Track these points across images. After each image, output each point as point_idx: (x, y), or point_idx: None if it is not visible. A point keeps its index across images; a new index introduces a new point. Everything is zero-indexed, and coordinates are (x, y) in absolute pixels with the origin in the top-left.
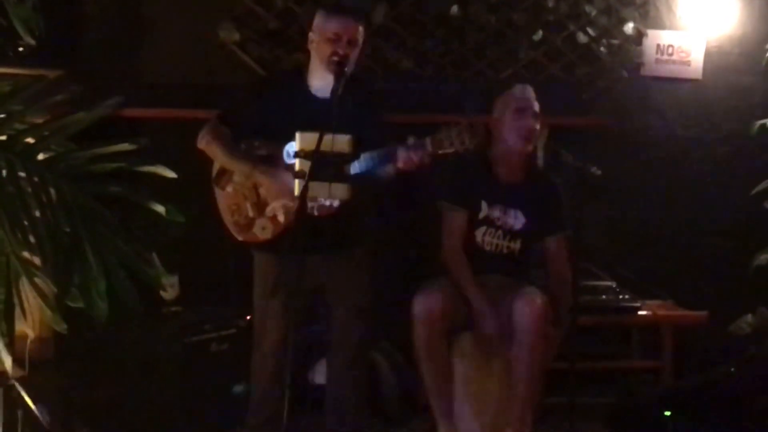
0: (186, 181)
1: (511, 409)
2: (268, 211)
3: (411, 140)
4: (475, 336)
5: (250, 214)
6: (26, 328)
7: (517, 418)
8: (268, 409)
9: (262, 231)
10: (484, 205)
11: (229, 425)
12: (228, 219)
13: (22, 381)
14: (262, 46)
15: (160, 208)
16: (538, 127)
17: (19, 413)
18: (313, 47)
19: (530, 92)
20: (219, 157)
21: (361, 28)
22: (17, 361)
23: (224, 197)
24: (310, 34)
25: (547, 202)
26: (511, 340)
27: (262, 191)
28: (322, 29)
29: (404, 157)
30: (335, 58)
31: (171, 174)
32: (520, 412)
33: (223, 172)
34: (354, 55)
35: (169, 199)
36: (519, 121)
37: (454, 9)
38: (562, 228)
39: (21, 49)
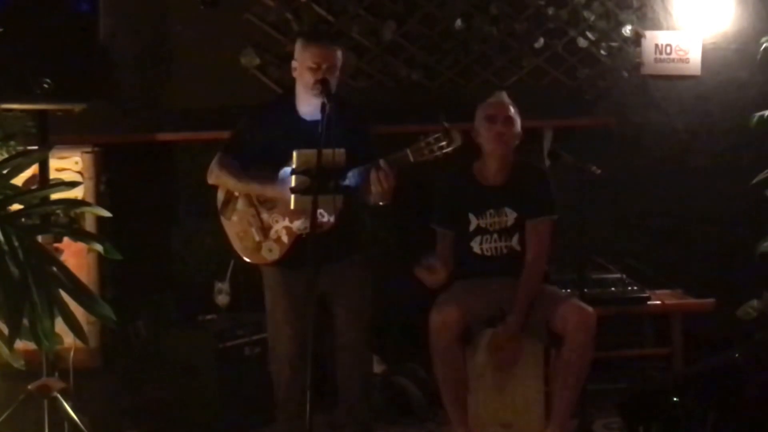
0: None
1: (554, 411)
2: (272, 234)
3: (382, 162)
4: (495, 333)
5: (257, 238)
6: (71, 340)
7: (560, 420)
8: (290, 408)
9: (270, 253)
10: (471, 217)
11: (261, 423)
12: (238, 245)
13: (66, 392)
14: (281, 69)
15: (98, 247)
16: (514, 131)
17: (66, 424)
18: (296, 74)
19: (503, 98)
20: (231, 185)
21: (338, 52)
22: (62, 373)
23: (231, 226)
24: (293, 62)
25: (531, 189)
26: (540, 340)
27: (264, 216)
28: (302, 58)
29: (373, 190)
30: (318, 85)
31: (106, 213)
32: (563, 414)
33: (227, 202)
34: (335, 77)
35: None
36: (490, 130)
37: (458, 23)
38: (544, 212)
39: (46, 85)
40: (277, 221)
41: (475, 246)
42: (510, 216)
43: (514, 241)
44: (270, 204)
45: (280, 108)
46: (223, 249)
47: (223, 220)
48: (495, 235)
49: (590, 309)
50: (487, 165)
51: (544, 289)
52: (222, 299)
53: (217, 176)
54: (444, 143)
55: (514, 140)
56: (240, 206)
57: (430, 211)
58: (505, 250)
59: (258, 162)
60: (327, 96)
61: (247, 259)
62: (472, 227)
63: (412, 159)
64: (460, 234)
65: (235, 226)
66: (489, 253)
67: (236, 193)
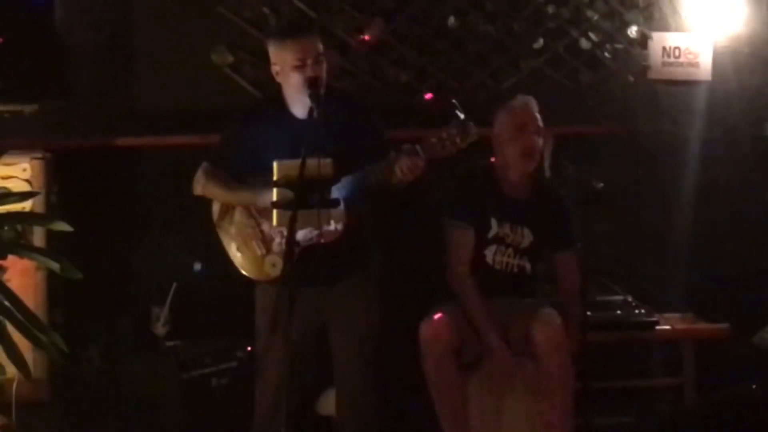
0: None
1: None
2: (275, 246)
3: (406, 147)
4: (488, 367)
5: (258, 252)
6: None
7: None
8: None
9: (273, 268)
10: (493, 222)
11: None
12: (237, 260)
13: (8, 429)
14: (257, 67)
15: (54, 265)
16: (541, 142)
17: None
18: (281, 78)
19: (532, 105)
20: (219, 196)
21: (318, 42)
22: (4, 407)
23: (229, 239)
24: (273, 66)
25: (555, 218)
26: (530, 359)
27: (265, 227)
28: (282, 58)
29: (402, 165)
30: (308, 83)
31: (68, 228)
32: None
33: (224, 213)
34: (324, 71)
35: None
36: (519, 138)
37: (452, 20)
38: (571, 244)
39: None
40: (280, 233)
41: (489, 255)
42: (526, 237)
43: (527, 263)
44: (270, 214)
45: (271, 108)
46: (188, 267)
47: (220, 233)
48: (510, 250)
49: (557, 320)
50: (506, 175)
51: (520, 302)
52: (161, 329)
53: (203, 187)
54: (458, 139)
55: (540, 155)
56: (238, 217)
57: (441, 207)
58: (516, 269)
59: (250, 168)
60: (316, 99)
61: (249, 275)
62: (491, 234)
63: (422, 155)
64: (477, 238)
65: (233, 238)
66: (499, 267)
67: None
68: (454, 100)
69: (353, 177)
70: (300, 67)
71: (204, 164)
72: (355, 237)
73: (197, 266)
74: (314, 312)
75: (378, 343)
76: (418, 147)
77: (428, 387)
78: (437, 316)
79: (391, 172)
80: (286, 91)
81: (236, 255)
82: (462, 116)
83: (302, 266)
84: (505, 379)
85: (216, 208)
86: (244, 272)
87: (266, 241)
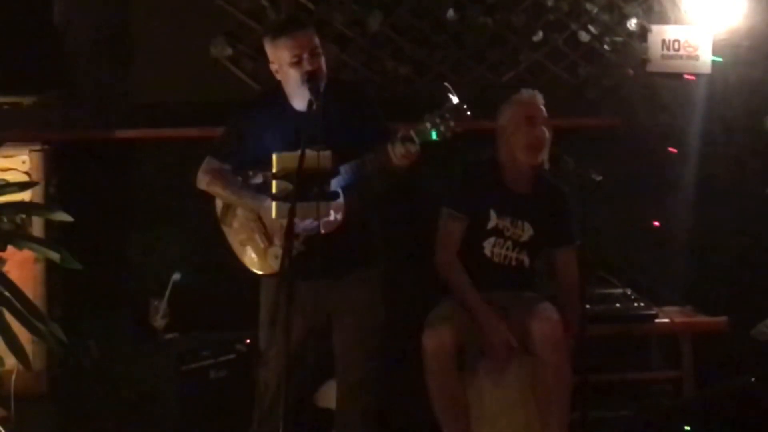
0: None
1: None
2: (277, 239)
3: (400, 132)
4: (486, 356)
5: (261, 245)
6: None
7: None
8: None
9: (276, 260)
10: (492, 214)
11: None
12: (242, 254)
13: (6, 421)
14: (256, 60)
15: (54, 255)
16: (548, 135)
17: None
18: (280, 75)
19: (539, 98)
20: (223, 197)
21: (313, 35)
22: (2, 400)
23: (233, 234)
24: (271, 65)
25: (556, 213)
26: (526, 353)
27: (266, 220)
28: (279, 56)
29: (398, 151)
30: (307, 78)
31: (67, 218)
32: None
33: (227, 208)
34: (323, 63)
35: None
36: (528, 131)
37: (451, 13)
38: (571, 240)
39: None
40: (281, 225)
41: (487, 247)
42: (526, 231)
43: (525, 257)
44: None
45: (272, 101)
46: (185, 260)
47: (224, 228)
48: (509, 243)
49: (555, 316)
50: (511, 168)
51: (518, 296)
52: (159, 322)
53: (208, 185)
54: (452, 123)
55: (547, 149)
56: (241, 211)
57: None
58: (514, 262)
59: (253, 161)
60: (316, 92)
61: (255, 270)
62: (490, 225)
63: (416, 140)
64: (474, 229)
65: (237, 233)
66: (497, 260)
67: None
68: (446, 83)
69: (350, 165)
70: (297, 63)
71: (208, 158)
72: (360, 230)
73: (176, 276)
74: (319, 306)
75: (381, 337)
76: (412, 132)
77: (429, 394)
78: (440, 324)
79: (387, 159)
80: (286, 86)
81: (240, 249)
82: (455, 99)
83: (306, 260)
84: (505, 358)
85: (219, 202)
86: (248, 266)
87: (268, 234)
